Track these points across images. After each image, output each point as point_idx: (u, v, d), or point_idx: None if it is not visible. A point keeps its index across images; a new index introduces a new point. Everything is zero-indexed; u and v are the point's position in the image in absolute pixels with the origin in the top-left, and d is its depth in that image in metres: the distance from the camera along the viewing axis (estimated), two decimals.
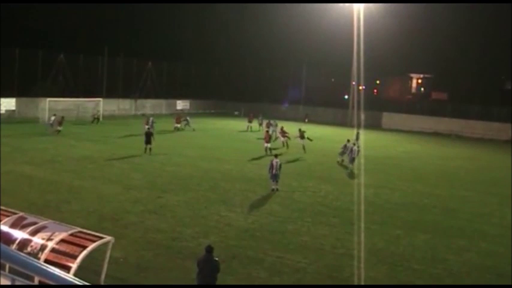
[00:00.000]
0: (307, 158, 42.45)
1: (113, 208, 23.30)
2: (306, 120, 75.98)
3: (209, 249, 13.63)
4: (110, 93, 72.42)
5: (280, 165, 28.83)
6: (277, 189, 28.68)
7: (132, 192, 26.48)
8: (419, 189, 32.68)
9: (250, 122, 62.89)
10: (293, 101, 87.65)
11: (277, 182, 28.89)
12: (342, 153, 39.78)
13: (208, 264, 13.45)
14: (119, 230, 19.50)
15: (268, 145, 42.80)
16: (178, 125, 56.10)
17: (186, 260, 17.25)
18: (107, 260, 13.63)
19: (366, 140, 55.61)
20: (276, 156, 30.09)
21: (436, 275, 17.74)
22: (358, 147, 39.82)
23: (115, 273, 15.17)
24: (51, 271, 3.27)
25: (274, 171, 28.66)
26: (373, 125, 74.68)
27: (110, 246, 13.50)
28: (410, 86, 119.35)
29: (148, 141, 39.50)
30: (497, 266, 18.94)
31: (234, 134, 56.97)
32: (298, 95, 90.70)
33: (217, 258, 13.96)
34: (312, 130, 55.01)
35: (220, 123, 68.71)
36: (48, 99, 56.99)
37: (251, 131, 60.32)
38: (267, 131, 46.59)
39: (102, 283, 13.72)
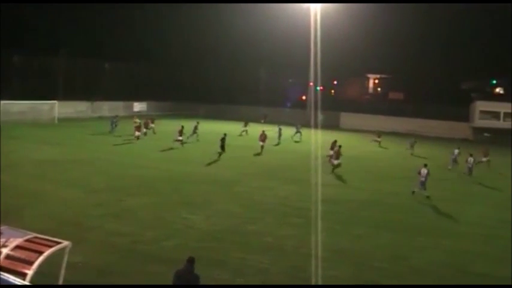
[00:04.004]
0: (268, 158, 42.50)
1: (74, 212, 22.83)
2: (262, 121, 75.92)
3: (191, 261, 12.93)
4: (67, 95, 71.27)
5: (427, 173, 30.29)
6: (427, 196, 29.99)
7: (93, 196, 26.02)
8: (383, 188, 32.93)
9: (245, 126, 61.04)
10: (252, 101, 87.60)
11: (424, 188, 30.22)
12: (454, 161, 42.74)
13: (188, 276, 12.82)
14: (80, 234, 19.04)
15: (337, 161, 37.98)
16: (145, 130, 52.21)
17: (147, 264, 16.97)
18: (64, 265, 13.20)
19: (325, 140, 55.76)
20: (425, 165, 30.90)
21: (399, 272, 17.82)
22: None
23: (74, 278, 14.73)
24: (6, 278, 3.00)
25: (422, 178, 30.10)
26: (332, 125, 75.18)
27: (67, 251, 13.10)
28: (368, 86, 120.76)
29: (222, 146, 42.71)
30: (460, 263, 19.15)
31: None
32: (256, 95, 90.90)
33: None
34: (273, 131, 54.84)
35: (180, 124, 67.76)
36: (2, 101, 55.71)
37: (246, 134, 59.13)
38: (340, 147, 39.76)
39: None
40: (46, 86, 70.22)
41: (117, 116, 57.72)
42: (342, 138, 51.75)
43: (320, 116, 71.67)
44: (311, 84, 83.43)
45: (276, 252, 19.10)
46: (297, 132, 58.42)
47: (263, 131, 47.21)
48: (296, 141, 56.14)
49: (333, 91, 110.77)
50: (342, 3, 69.96)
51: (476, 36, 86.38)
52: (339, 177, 35.61)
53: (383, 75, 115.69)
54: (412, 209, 27.83)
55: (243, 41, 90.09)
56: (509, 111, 73.42)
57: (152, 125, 55.26)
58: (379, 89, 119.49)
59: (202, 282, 12.49)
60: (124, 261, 17.26)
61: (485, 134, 72.25)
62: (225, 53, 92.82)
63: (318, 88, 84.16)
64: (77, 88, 74.66)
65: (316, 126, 63.52)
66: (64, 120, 62.18)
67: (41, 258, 11.61)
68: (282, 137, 54.04)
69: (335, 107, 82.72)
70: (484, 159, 44.01)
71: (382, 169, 40.94)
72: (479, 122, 74.63)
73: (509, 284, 17.44)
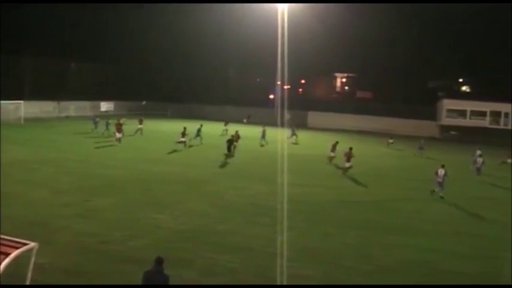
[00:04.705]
0: (237, 158, 42.48)
1: (41, 213, 22.54)
2: (245, 121, 75.91)
3: (159, 261, 12.76)
4: (33, 95, 70.39)
5: (445, 174, 30.47)
6: (441, 196, 30.35)
7: (61, 197, 25.73)
8: (353, 187, 33.24)
9: (226, 125, 60.63)
10: (220, 101, 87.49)
11: (442, 188, 30.44)
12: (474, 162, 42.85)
13: (157, 277, 12.66)
14: (47, 235, 18.84)
15: (349, 164, 37.82)
16: (120, 135, 47.07)
17: (116, 264, 16.88)
18: (31, 267, 13.05)
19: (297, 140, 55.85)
20: (443, 166, 31.04)
21: (368, 271, 17.88)
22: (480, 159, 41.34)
23: (42, 279, 14.58)
24: None
25: (439, 179, 30.35)
26: (299, 124, 75.33)
27: (35, 252, 12.97)
28: (335, 85, 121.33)
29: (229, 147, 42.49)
30: (430, 261, 19.32)
31: (166, 136, 55.48)
32: (224, 94, 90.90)
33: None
34: (256, 131, 54.77)
35: (150, 124, 67.09)
36: None
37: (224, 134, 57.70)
38: (351, 148, 38.84)
39: None
40: (11, 86, 69.10)
41: (96, 116, 57.62)
42: (310, 137, 51.98)
43: (287, 115, 71.77)
44: (278, 83, 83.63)
45: (244, 251, 19.11)
46: (293, 134, 57.75)
47: (236, 131, 47.16)
48: (294, 144, 55.18)
49: (300, 90, 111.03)
50: (309, 3, 70.20)
51: (444, 35, 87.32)
52: (308, 177, 35.66)
53: (350, 74, 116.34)
54: (384, 208, 27.98)
55: (211, 41, 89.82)
56: (476, 109, 74.59)
57: (140, 126, 54.77)
58: (346, 87, 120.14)
59: (171, 282, 12.43)
60: (92, 262, 17.11)
61: (452, 132, 73.36)
62: (192, 53, 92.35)
63: (285, 87, 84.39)
64: (43, 88, 73.54)
65: (283, 125, 63.61)
66: (30, 120, 61.48)
67: (7, 260, 11.48)
68: (267, 138, 53.68)
69: (302, 106, 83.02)
70: (509, 160, 45.21)
71: (355, 168, 41.00)
72: (446, 120, 75.77)
73: (481, 282, 17.66)
